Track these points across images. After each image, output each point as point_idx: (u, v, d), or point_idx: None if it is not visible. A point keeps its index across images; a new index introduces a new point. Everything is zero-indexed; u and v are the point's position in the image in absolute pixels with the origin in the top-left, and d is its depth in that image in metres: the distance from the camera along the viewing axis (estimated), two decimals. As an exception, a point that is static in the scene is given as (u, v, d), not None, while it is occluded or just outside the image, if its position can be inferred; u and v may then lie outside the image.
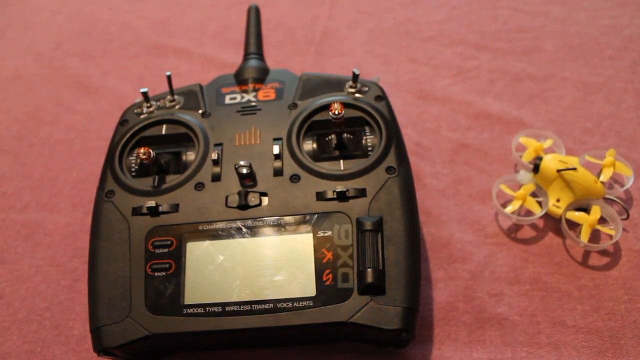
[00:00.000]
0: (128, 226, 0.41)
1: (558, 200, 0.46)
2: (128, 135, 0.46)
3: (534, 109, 0.58)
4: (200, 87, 0.50)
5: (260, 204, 0.41)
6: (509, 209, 0.47)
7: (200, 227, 0.41)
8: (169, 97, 0.49)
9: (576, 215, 0.46)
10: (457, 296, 0.45)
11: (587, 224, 0.45)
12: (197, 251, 0.40)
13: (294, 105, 0.47)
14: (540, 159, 0.47)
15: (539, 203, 0.48)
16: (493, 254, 0.48)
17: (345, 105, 0.44)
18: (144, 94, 0.48)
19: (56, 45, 0.74)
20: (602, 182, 0.47)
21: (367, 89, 0.47)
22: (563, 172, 0.46)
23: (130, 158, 0.46)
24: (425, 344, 0.43)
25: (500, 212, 0.48)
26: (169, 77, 0.48)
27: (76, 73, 0.70)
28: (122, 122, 0.48)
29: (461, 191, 0.52)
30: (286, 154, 0.44)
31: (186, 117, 0.47)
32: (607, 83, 0.60)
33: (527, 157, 0.50)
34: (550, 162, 0.47)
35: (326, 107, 0.45)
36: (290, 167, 0.43)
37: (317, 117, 0.46)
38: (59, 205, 0.56)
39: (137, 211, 0.41)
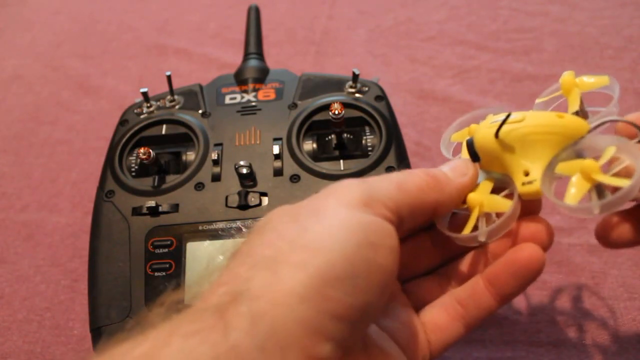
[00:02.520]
0: (128, 226, 0.41)
1: (527, 175, 0.29)
2: (128, 135, 0.46)
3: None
4: (200, 87, 0.50)
5: (260, 204, 0.41)
6: (465, 232, 0.29)
7: (200, 227, 0.41)
8: (169, 97, 0.49)
9: (564, 168, 0.29)
10: (457, 296, 0.45)
11: (582, 173, 0.27)
12: (197, 251, 0.40)
13: (294, 105, 0.47)
14: (470, 140, 0.32)
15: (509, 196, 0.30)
16: (493, 254, 0.48)
17: (345, 105, 0.44)
18: (144, 94, 0.48)
19: (56, 45, 0.74)
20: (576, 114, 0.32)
21: (367, 89, 0.47)
22: (506, 132, 0.29)
23: (130, 158, 0.46)
24: (425, 343, 0.43)
25: (457, 240, 0.30)
26: (169, 77, 0.48)
27: (76, 73, 0.70)
28: (122, 122, 0.48)
29: (461, 191, 0.52)
30: (286, 154, 0.44)
31: (186, 117, 0.47)
32: (607, 83, 0.60)
33: (465, 153, 0.33)
34: (483, 132, 0.30)
35: (326, 107, 0.45)
36: (290, 167, 0.43)
37: (317, 117, 0.46)
38: (59, 205, 0.56)
39: (137, 211, 0.41)
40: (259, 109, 0.47)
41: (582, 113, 0.32)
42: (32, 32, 0.76)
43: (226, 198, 0.42)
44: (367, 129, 0.45)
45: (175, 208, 0.42)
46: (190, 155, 0.45)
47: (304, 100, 0.47)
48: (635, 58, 0.62)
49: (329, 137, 0.45)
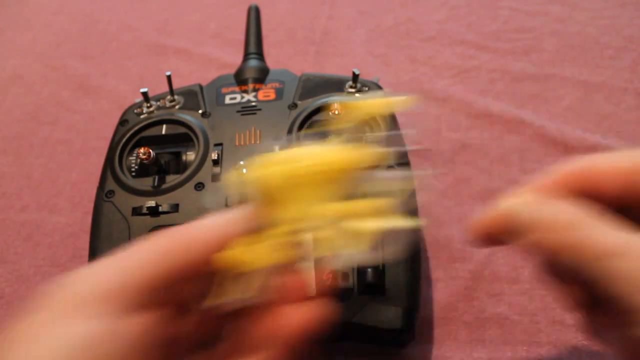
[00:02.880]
0: (128, 226, 0.41)
1: (297, 222, 0.25)
2: (128, 135, 0.46)
3: (534, 109, 0.58)
4: (200, 87, 0.50)
5: (260, 204, 0.41)
6: (218, 297, 0.25)
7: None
8: (169, 97, 0.49)
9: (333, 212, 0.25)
10: (457, 296, 0.45)
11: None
12: (197, 251, 0.40)
13: (294, 105, 0.47)
14: (238, 182, 0.27)
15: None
16: (493, 254, 0.48)
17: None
18: (144, 94, 0.48)
19: (56, 45, 0.74)
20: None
21: (367, 89, 0.47)
22: (270, 174, 0.25)
23: (130, 158, 0.46)
24: (425, 344, 0.43)
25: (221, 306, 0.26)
26: (169, 77, 0.48)
27: (76, 73, 0.70)
28: (122, 122, 0.48)
29: (461, 191, 0.52)
30: (286, 154, 0.44)
31: (186, 117, 0.47)
32: (607, 83, 0.60)
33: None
34: (250, 175, 0.26)
35: (326, 107, 0.45)
36: (290, 167, 0.43)
37: (317, 117, 0.46)
38: (59, 205, 0.56)
39: (137, 211, 0.41)
40: (259, 109, 0.47)
41: (373, 142, 0.28)
42: (32, 32, 0.76)
43: (226, 198, 0.42)
44: (367, 129, 0.45)
45: (175, 208, 0.42)
46: (190, 155, 0.45)
47: (304, 100, 0.47)
48: (635, 58, 0.62)
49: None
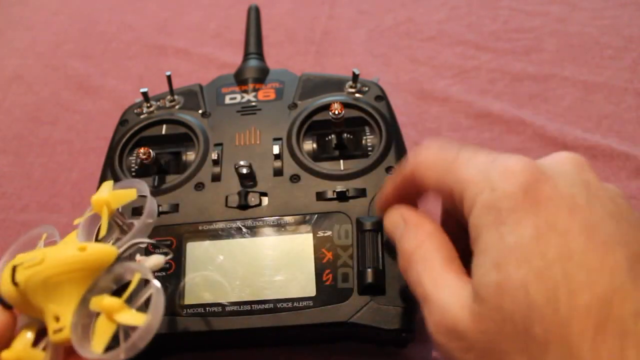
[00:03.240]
0: (128, 226, 0.41)
1: (58, 320, 0.26)
2: (128, 135, 0.46)
3: (534, 109, 0.58)
4: (200, 87, 0.50)
5: (260, 204, 0.41)
6: None
7: (200, 227, 0.41)
8: (169, 97, 0.49)
9: (96, 304, 0.26)
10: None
11: (105, 313, 0.26)
12: (197, 251, 0.40)
13: (294, 105, 0.47)
14: None
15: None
16: (493, 254, 0.48)
17: (345, 105, 0.44)
18: (144, 94, 0.48)
19: (56, 45, 0.74)
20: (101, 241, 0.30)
21: (367, 89, 0.47)
22: (26, 277, 0.26)
23: (130, 158, 0.46)
24: (425, 344, 0.43)
25: None
26: (169, 77, 0.48)
27: (76, 73, 0.70)
28: (122, 122, 0.48)
29: (461, 191, 0.52)
30: (286, 154, 0.44)
31: (186, 117, 0.47)
32: (607, 83, 0.60)
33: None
34: (4, 278, 0.27)
35: (326, 107, 0.45)
36: (290, 167, 0.43)
37: (317, 117, 0.46)
38: (59, 205, 0.56)
39: (137, 211, 0.41)
40: (259, 109, 0.47)
41: (125, 226, 0.31)
42: (32, 32, 0.76)
43: (226, 198, 0.42)
44: (367, 129, 0.45)
45: (175, 208, 0.42)
46: (190, 155, 0.45)
47: (304, 100, 0.47)
48: (635, 58, 0.62)
49: (329, 137, 0.45)
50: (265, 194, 0.42)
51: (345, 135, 0.45)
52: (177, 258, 0.40)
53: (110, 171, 0.44)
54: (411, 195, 0.32)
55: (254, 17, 0.55)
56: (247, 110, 0.47)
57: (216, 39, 0.72)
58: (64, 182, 0.58)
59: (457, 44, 0.67)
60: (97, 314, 0.26)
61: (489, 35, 0.67)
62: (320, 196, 0.41)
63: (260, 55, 0.53)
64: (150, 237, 0.40)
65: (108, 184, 0.30)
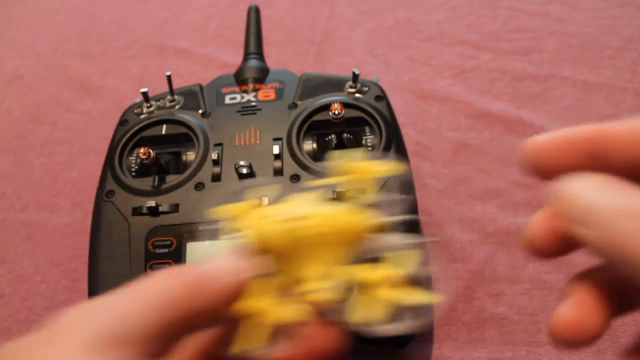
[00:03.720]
0: (128, 226, 0.41)
1: (307, 281, 0.24)
2: (128, 135, 0.46)
3: (534, 109, 0.58)
4: (200, 87, 0.50)
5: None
6: (236, 347, 0.24)
7: (200, 227, 0.41)
8: (169, 97, 0.49)
9: (352, 274, 0.24)
10: (457, 296, 0.45)
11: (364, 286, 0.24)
12: (197, 251, 0.40)
13: (294, 105, 0.47)
14: (247, 232, 0.26)
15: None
16: (493, 254, 0.48)
17: (345, 105, 0.44)
18: (144, 94, 0.48)
19: (56, 45, 0.74)
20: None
21: (367, 89, 0.47)
22: (286, 230, 0.24)
23: (130, 158, 0.46)
24: (425, 344, 0.43)
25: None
26: (169, 77, 0.48)
27: (76, 73, 0.70)
28: (122, 122, 0.48)
29: (461, 191, 0.52)
30: (286, 154, 0.44)
31: (186, 117, 0.47)
32: (607, 83, 0.60)
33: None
34: (260, 226, 0.25)
35: (326, 107, 0.45)
36: (290, 167, 0.43)
37: (317, 117, 0.46)
38: (59, 205, 0.56)
39: (137, 211, 0.41)
40: (259, 109, 0.47)
41: (376, 204, 0.27)
42: (32, 32, 0.76)
43: (226, 197, 0.42)
44: (367, 129, 0.45)
45: (175, 208, 0.42)
46: (190, 155, 0.45)
47: (304, 100, 0.47)
48: (635, 58, 0.62)
49: (329, 137, 0.45)
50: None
51: (345, 135, 0.45)
52: (177, 258, 0.40)
53: (110, 171, 0.44)
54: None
55: (254, 17, 0.55)
56: (247, 110, 0.47)
57: (216, 39, 0.72)
58: (64, 182, 0.58)
59: (457, 44, 0.67)
60: (349, 285, 0.24)
61: (489, 35, 0.67)
62: (320, 196, 0.41)
63: (260, 55, 0.53)
64: (149, 237, 0.41)
65: (359, 154, 0.28)
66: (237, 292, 0.23)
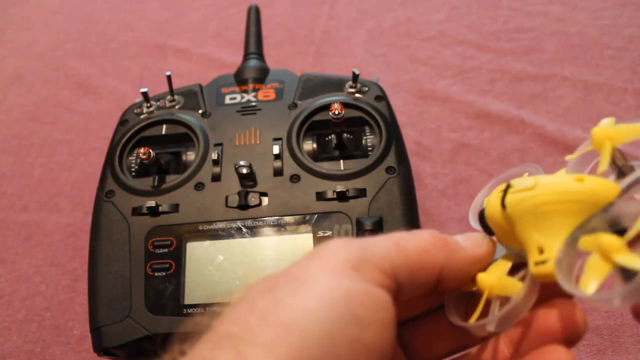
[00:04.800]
0: (128, 226, 0.41)
1: (541, 252, 0.24)
2: (128, 135, 0.46)
3: (534, 109, 0.58)
4: (200, 87, 0.50)
5: (260, 204, 0.41)
6: (472, 319, 0.25)
7: (200, 227, 0.41)
8: (169, 97, 0.49)
9: (587, 243, 0.22)
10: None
11: (600, 251, 0.22)
12: (197, 251, 0.40)
13: (294, 105, 0.47)
14: (482, 211, 0.27)
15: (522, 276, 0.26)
16: (493, 254, 0.48)
17: (345, 105, 0.44)
18: (144, 94, 0.48)
19: (56, 45, 0.74)
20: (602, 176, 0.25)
21: (367, 89, 0.47)
22: (514, 202, 0.24)
23: (130, 158, 0.46)
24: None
25: (465, 328, 0.26)
26: (169, 77, 0.48)
27: (76, 73, 0.70)
28: (122, 122, 0.48)
29: (461, 191, 0.52)
30: (286, 154, 0.44)
31: (186, 117, 0.47)
32: (607, 83, 0.60)
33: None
34: (492, 203, 0.26)
35: (326, 107, 0.45)
36: (290, 167, 0.43)
37: (317, 117, 0.46)
38: (59, 205, 0.56)
39: (137, 211, 0.41)
40: (259, 109, 0.47)
41: (624, 168, 0.25)
42: (32, 32, 0.76)
43: (226, 198, 0.42)
44: (367, 129, 0.45)
45: (175, 208, 0.42)
46: (190, 155, 0.45)
47: (304, 100, 0.47)
48: (635, 58, 0.62)
49: (329, 137, 0.45)
50: (265, 194, 0.42)
51: (345, 135, 0.45)
52: (177, 258, 0.40)
53: (110, 171, 0.44)
54: None
55: (254, 17, 0.55)
56: (247, 110, 0.47)
57: (216, 39, 0.72)
58: (64, 182, 0.58)
59: (457, 44, 0.67)
60: (587, 255, 0.23)
61: (489, 35, 0.67)
62: (320, 196, 0.41)
63: (260, 55, 0.53)
64: (149, 237, 0.41)
65: (610, 120, 0.26)
66: (479, 264, 0.25)
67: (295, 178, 0.42)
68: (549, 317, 0.23)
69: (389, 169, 0.42)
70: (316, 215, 0.40)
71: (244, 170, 0.41)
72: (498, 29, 0.68)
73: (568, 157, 0.27)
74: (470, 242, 0.25)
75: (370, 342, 0.20)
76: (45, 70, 0.71)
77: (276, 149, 0.43)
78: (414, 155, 0.54)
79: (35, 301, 0.49)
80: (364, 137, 0.45)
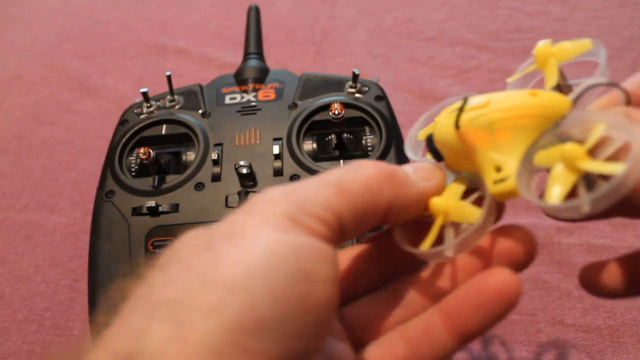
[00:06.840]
0: (128, 226, 0.41)
1: (499, 170, 0.23)
2: (128, 135, 0.46)
3: (533, 109, 0.58)
4: (200, 87, 0.50)
5: (260, 204, 0.41)
6: (425, 245, 0.24)
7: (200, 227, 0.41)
8: (169, 97, 0.49)
9: (544, 157, 0.22)
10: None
11: (564, 161, 0.21)
12: (197, 251, 0.40)
13: (294, 105, 0.47)
14: (429, 136, 0.26)
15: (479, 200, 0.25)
16: (493, 254, 0.48)
17: (345, 105, 0.44)
18: (144, 94, 0.48)
19: (56, 45, 0.74)
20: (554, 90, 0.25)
21: (367, 89, 0.47)
22: (468, 120, 0.23)
23: (130, 158, 0.46)
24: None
25: (419, 256, 0.24)
26: (169, 77, 0.48)
27: (76, 73, 0.70)
28: (122, 122, 0.48)
29: (461, 191, 0.52)
30: (286, 154, 0.44)
31: (186, 117, 0.47)
32: (607, 83, 0.60)
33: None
34: (441, 124, 0.25)
35: (326, 107, 0.45)
36: (290, 167, 0.43)
37: (317, 117, 0.46)
38: (59, 205, 0.56)
39: (137, 211, 0.41)
40: (259, 109, 0.47)
41: (563, 88, 0.25)
42: (32, 32, 0.76)
43: (226, 198, 0.42)
44: (367, 129, 0.45)
45: (175, 208, 0.42)
46: (190, 155, 0.45)
47: (304, 100, 0.47)
48: (635, 58, 0.62)
49: (329, 137, 0.45)
50: (265, 194, 0.42)
51: (345, 135, 0.45)
52: (177, 258, 0.40)
53: (110, 171, 0.44)
54: None
55: (254, 17, 0.55)
56: (247, 110, 0.47)
57: (216, 39, 0.72)
58: (64, 182, 0.58)
59: (457, 44, 0.67)
60: (540, 172, 0.23)
61: (489, 35, 0.67)
62: (320, 196, 0.41)
63: (260, 55, 0.53)
64: (149, 237, 0.41)
65: (548, 40, 0.26)
66: (430, 196, 0.24)
67: (295, 178, 0.42)
68: (497, 241, 0.23)
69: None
70: (316, 215, 0.40)
71: (244, 170, 0.41)
72: (498, 29, 0.68)
73: (509, 79, 0.27)
74: (420, 174, 0.24)
75: (320, 297, 0.19)
76: (45, 70, 0.71)
77: (276, 149, 0.43)
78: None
79: (35, 301, 0.49)
80: (364, 137, 0.45)
